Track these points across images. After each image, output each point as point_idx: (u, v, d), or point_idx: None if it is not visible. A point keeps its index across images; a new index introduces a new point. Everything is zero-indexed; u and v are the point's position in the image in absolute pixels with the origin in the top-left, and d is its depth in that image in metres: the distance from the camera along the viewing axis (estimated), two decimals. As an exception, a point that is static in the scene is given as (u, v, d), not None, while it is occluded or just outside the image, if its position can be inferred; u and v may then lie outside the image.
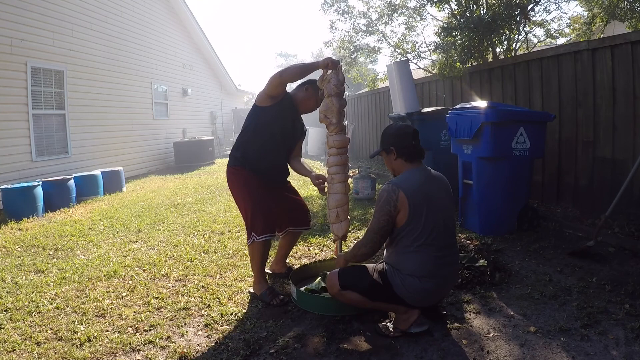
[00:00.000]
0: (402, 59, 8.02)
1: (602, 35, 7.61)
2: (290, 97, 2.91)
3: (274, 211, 2.89)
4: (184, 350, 2.25)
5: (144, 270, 3.52)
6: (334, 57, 2.71)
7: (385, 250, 2.41)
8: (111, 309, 2.80)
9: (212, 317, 2.62)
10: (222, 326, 2.51)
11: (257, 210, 2.79)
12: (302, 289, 2.77)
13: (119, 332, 2.48)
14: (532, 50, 6.88)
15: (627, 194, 3.33)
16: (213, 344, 2.33)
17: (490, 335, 2.29)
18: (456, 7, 6.86)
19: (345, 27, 17.73)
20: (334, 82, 2.62)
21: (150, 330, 2.51)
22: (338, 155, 2.69)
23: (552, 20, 9.05)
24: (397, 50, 9.47)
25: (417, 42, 9.41)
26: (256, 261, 2.84)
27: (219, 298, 2.90)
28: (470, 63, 6.28)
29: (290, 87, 3.05)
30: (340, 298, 2.37)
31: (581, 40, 6.48)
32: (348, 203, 2.78)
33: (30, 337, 2.45)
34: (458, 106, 4.44)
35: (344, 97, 2.70)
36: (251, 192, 2.83)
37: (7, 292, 3.15)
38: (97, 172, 7.51)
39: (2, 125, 6.44)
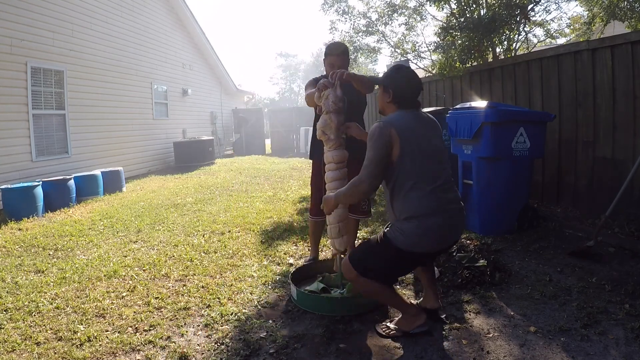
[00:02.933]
0: (402, 59, 8.02)
1: (602, 35, 7.61)
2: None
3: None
4: (184, 350, 2.25)
5: (144, 270, 3.51)
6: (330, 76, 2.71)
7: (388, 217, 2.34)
8: (111, 309, 2.80)
9: (212, 317, 2.62)
10: (222, 326, 2.51)
11: (312, 196, 3.38)
12: (303, 290, 2.77)
13: (119, 332, 2.48)
14: (532, 50, 6.89)
15: (627, 194, 3.33)
16: (213, 344, 2.33)
17: (490, 335, 2.29)
18: (455, 7, 6.86)
19: (345, 28, 17.75)
20: (332, 99, 2.58)
21: (150, 330, 2.51)
22: (337, 170, 2.65)
23: (552, 20, 9.06)
24: (397, 50, 9.49)
25: (417, 42, 9.44)
26: (309, 234, 3.52)
27: (219, 298, 2.90)
28: (470, 63, 6.28)
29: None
30: (357, 285, 2.31)
31: (581, 40, 6.48)
32: (350, 217, 2.76)
33: (30, 337, 2.45)
34: (458, 106, 4.44)
35: (342, 112, 2.65)
36: (313, 179, 3.37)
37: (7, 292, 3.15)
38: (97, 172, 7.50)
39: (2, 125, 6.44)
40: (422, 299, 2.56)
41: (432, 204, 2.15)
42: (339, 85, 2.62)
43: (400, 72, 2.36)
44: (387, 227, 2.30)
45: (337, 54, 3.10)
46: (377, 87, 2.45)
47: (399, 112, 2.28)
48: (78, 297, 3.01)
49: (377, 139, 2.17)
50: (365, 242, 2.35)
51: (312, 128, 3.39)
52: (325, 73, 3.31)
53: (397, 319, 2.39)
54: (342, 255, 2.82)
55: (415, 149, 2.17)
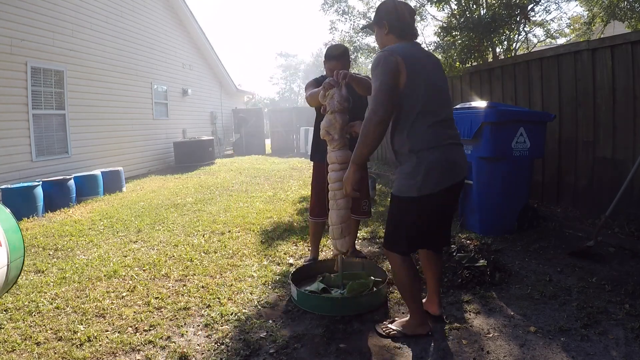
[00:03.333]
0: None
1: (602, 35, 7.62)
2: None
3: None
4: (184, 350, 2.25)
5: (144, 270, 3.51)
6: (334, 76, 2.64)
7: None
8: (111, 309, 2.80)
9: (212, 317, 2.62)
10: (222, 326, 2.51)
11: (312, 197, 3.39)
12: (303, 290, 2.77)
13: (119, 332, 2.48)
14: (532, 50, 6.89)
15: (627, 194, 3.33)
16: (213, 344, 2.33)
17: (490, 335, 2.29)
18: (456, 7, 6.87)
19: (345, 28, 17.78)
20: (338, 99, 2.54)
21: (150, 330, 2.51)
22: (341, 170, 2.61)
23: (552, 20, 9.06)
24: (397, 50, 9.47)
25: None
26: (310, 234, 3.52)
27: (219, 298, 2.90)
28: (470, 63, 6.28)
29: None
30: (395, 270, 2.26)
31: (581, 40, 6.49)
32: (351, 217, 2.75)
33: (30, 337, 2.45)
34: (458, 106, 4.44)
35: (347, 112, 2.62)
36: (313, 180, 3.35)
37: (7, 292, 3.15)
38: (97, 172, 7.50)
39: (2, 125, 6.44)
40: (424, 300, 2.55)
41: (431, 138, 2.09)
42: (344, 84, 2.60)
43: (387, 3, 2.30)
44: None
45: (336, 58, 3.06)
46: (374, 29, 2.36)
47: (401, 43, 2.19)
48: (78, 297, 3.01)
49: (383, 66, 2.04)
50: (386, 223, 2.33)
51: (312, 128, 3.38)
52: (325, 74, 3.30)
53: (399, 320, 2.39)
54: (343, 256, 2.82)
55: (420, 78, 2.09)
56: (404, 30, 2.23)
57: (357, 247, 3.75)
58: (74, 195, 6.68)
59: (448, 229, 2.41)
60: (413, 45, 2.22)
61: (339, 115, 2.56)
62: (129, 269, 3.56)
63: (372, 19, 2.34)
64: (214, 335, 2.42)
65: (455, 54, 6.18)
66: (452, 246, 3.37)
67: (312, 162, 3.38)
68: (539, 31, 9.17)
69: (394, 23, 2.22)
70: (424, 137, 2.09)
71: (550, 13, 13.69)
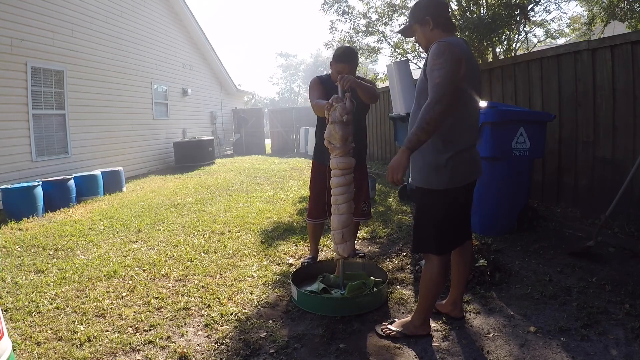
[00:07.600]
0: (402, 59, 8.02)
1: (602, 35, 7.61)
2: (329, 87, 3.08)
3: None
4: (184, 350, 2.25)
5: (144, 270, 3.51)
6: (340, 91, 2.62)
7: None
8: (111, 309, 2.80)
9: (212, 317, 2.62)
10: (222, 326, 2.52)
11: (311, 198, 3.36)
12: (303, 290, 2.77)
13: (119, 332, 2.48)
14: (532, 50, 6.89)
15: (627, 194, 3.33)
16: (213, 344, 2.33)
17: (490, 335, 2.29)
18: (456, 7, 6.87)
19: (345, 28, 17.77)
20: (339, 111, 2.54)
21: (150, 330, 2.51)
22: (342, 175, 2.63)
23: (552, 20, 9.06)
24: (397, 50, 9.48)
25: (417, 42, 9.42)
26: (309, 235, 3.51)
27: (219, 298, 2.90)
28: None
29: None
30: (436, 272, 2.20)
31: (581, 40, 6.48)
32: (352, 222, 2.76)
33: (30, 337, 2.45)
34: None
35: (350, 123, 2.58)
36: (312, 182, 3.34)
37: (7, 292, 3.15)
38: (97, 172, 7.50)
39: (2, 125, 6.44)
40: (444, 301, 2.52)
41: (467, 139, 2.13)
42: (349, 97, 2.58)
43: (422, 2, 2.22)
44: (413, 186, 2.21)
45: (346, 62, 2.99)
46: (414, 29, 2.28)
47: (452, 37, 2.12)
48: (78, 297, 3.01)
49: (449, 56, 1.97)
50: (413, 227, 2.32)
51: (312, 128, 3.38)
52: (330, 74, 3.26)
53: (399, 321, 2.39)
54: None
55: (473, 75, 2.08)
56: (448, 24, 2.21)
57: (357, 247, 3.75)
58: (74, 195, 6.68)
59: (469, 224, 2.40)
60: (463, 41, 2.18)
61: (339, 126, 2.56)
62: (129, 269, 3.56)
63: (409, 20, 2.28)
64: (214, 335, 2.42)
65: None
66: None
67: (312, 163, 3.38)
68: (539, 31, 9.20)
69: (438, 15, 2.18)
70: (463, 137, 2.12)
71: (550, 13, 13.71)
